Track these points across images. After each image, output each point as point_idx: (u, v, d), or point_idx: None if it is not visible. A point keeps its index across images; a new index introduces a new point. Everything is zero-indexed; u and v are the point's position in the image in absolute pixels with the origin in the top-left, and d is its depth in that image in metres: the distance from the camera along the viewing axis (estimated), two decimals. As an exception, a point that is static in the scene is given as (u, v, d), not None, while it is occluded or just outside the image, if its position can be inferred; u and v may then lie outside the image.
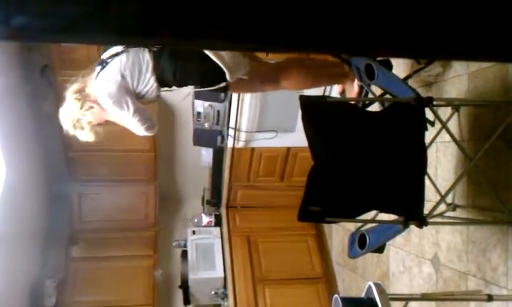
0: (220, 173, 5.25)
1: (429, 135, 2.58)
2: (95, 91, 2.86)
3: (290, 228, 5.10)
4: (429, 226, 2.42)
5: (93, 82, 2.86)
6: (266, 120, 4.53)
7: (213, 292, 4.99)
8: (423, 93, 2.90)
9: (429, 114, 2.44)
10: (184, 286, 4.99)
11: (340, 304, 2.30)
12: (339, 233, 5.02)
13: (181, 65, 2.86)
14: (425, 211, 2.36)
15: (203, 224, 5.45)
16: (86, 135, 2.95)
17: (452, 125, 2.85)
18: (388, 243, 3.05)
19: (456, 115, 2.87)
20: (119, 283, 5.19)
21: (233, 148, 4.75)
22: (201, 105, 4.46)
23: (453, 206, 2.92)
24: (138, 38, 0.77)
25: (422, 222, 2.30)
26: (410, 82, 3.00)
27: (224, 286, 5.00)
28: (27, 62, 4.82)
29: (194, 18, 0.62)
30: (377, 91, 2.95)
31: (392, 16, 0.67)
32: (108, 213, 5.52)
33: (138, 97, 2.90)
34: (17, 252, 4.56)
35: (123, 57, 2.81)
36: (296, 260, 5.12)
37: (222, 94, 4.30)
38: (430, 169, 2.97)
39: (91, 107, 2.89)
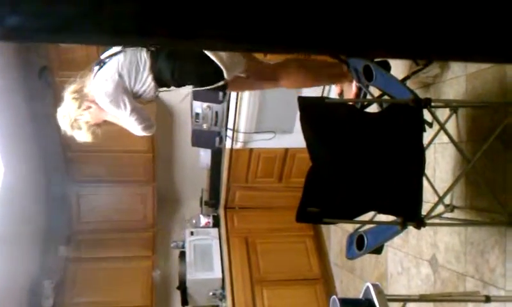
0: (218, 174, 5.25)
1: (427, 136, 2.58)
2: (92, 90, 2.86)
3: (288, 228, 5.10)
4: (427, 227, 2.43)
5: (91, 82, 2.86)
6: (264, 121, 4.53)
7: (211, 293, 4.99)
8: (421, 94, 2.91)
9: (427, 116, 2.44)
10: (182, 287, 4.99)
11: (338, 305, 2.30)
12: (337, 234, 5.02)
13: (179, 65, 2.86)
14: (423, 212, 2.37)
15: (201, 225, 5.45)
16: (83, 136, 2.95)
17: (450, 126, 2.85)
18: (386, 244, 3.05)
19: (454, 116, 2.87)
20: (117, 284, 5.19)
21: (231, 149, 4.75)
22: (199, 106, 4.46)
23: (451, 208, 2.92)
24: (134, 38, 0.76)
25: (420, 223, 2.30)
26: (408, 83, 3.00)
27: (222, 287, 5.00)
28: (25, 64, 4.82)
29: (191, 18, 0.62)
30: (375, 92, 2.96)
31: (389, 17, 0.67)
32: (106, 214, 5.52)
33: (136, 96, 2.90)
34: (15, 253, 4.55)
35: (121, 56, 2.81)
36: (294, 261, 5.12)
37: (220, 95, 4.30)
38: (428, 170, 2.97)
39: (89, 107, 2.89)
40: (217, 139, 4.71)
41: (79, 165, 5.31)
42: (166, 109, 5.62)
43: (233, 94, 4.28)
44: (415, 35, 0.70)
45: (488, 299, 2.39)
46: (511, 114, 2.48)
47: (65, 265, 5.20)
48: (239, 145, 4.70)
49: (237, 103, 4.37)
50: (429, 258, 3.23)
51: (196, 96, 4.39)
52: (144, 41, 0.98)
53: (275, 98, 4.17)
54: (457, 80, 2.94)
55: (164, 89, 3.01)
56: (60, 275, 5.12)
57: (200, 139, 4.75)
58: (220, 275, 5.01)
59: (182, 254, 5.19)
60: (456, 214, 2.92)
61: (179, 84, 3.00)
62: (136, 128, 2.93)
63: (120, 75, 2.80)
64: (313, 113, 2.46)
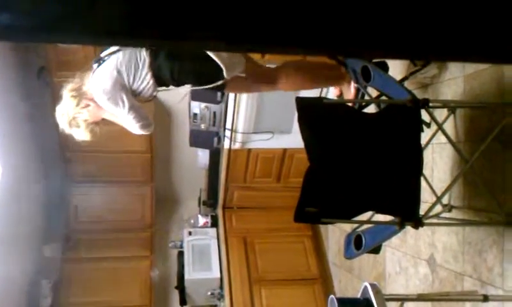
0: (216, 174, 5.25)
1: (425, 136, 2.58)
2: (91, 88, 2.85)
3: (286, 228, 5.10)
4: (425, 227, 2.43)
5: (89, 80, 2.86)
6: (263, 121, 4.54)
7: (209, 293, 4.99)
8: (419, 94, 2.91)
9: (425, 116, 2.45)
10: (180, 286, 5.00)
11: (336, 304, 2.30)
12: (335, 234, 5.03)
13: (178, 63, 2.86)
14: (421, 212, 2.37)
15: (199, 225, 5.46)
16: (81, 134, 2.94)
17: (448, 126, 2.86)
18: (384, 244, 3.06)
19: (451, 117, 2.88)
20: (115, 284, 5.19)
21: (229, 149, 4.75)
22: (197, 107, 4.46)
23: (449, 207, 2.93)
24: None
25: (418, 223, 2.31)
26: (406, 83, 3.00)
27: (221, 287, 5.00)
28: (23, 64, 4.82)
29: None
30: (373, 93, 2.96)
31: (387, 17, 0.67)
32: (104, 214, 5.52)
33: (134, 94, 2.89)
34: (13, 253, 4.55)
35: (120, 54, 2.81)
36: (292, 261, 5.12)
37: (218, 95, 4.30)
38: (426, 171, 2.98)
39: (88, 105, 2.89)
40: (216, 139, 4.71)
41: (77, 165, 5.31)
42: (164, 109, 5.63)
43: (231, 95, 4.28)
44: (413, 35, 0.71)
45: (485, 298, 2.40)
46: (509, 115, 2.49)
47: (63, 265, 5.20)
48: (237, 145, 4.70)
49: (235, 103, 4.37)
50: (427, 257, 3.24)
51: (194, 97, 4.39)
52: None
53: (273, 98, 4.18)
54: (455, 80, 2.95)
55: (163, 88, 3.00)
56: (58, 275, 5.12)
57: (198, 139, 4.75)
58: (218, 275, 5.01)
59: (180, 254, 5.19)
60: (453, 214, 2.93)
61: (178, 83, 2.99)
62: (133, 126, 2.92)
63: (119, 72, 2.79)
64: (311, 113, 2.46)
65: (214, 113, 4.51)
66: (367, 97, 3.01)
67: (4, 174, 4.30)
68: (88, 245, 5.33)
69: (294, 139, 4.32)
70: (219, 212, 5.50)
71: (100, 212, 5.50)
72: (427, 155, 3.11)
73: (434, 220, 2.75)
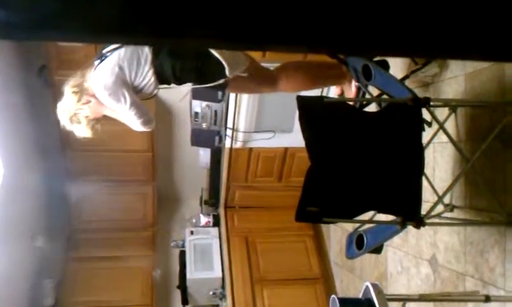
0: (218, 173, 5.25)
1: (426, 135, 2.58)
2: (93, 84, 2.84)
3: (288, 228, 5.10)
4: (426, 227, 2.42)
5: (91, 76, 2.85)
6: (264, 120, 4.53)
7: (211, 292, 4.99)
8: (420, 93, 2.89)
9: (426, 115, 2.44)
10: (182, 286, 5.00)
11: (338, 304, 2.30)
12: (337, 234, 5.02)
13: (181, 61, 2.85)
14: (423, 211, 2.36)
15: (201, 225, 5.45)
16: (82, 130, 2.93)
17: (449, 125, 2.85)
18: (386, 243, 3.05)
19: (453, 116, 2.87)
20: (117, 283, 5.20)
21: (231, 148, 4.75)
22: (198, 106, 4.46)
23: (450, 207, 2.92)
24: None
25: (419, 222, 2.30)
26: (407, 82, 3.00)
27: (222, 287, 5.00)
28: (24, 63, 4.82)
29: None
30: (374, 91, 2.96)
31: (388, 15, 0.66)
32: (106, 213, 5.52)
33: (135, 91, 2.88)
34: (15, 253, 4.55)
35: (122, 50, 2.79)
36: (294, 261, 5.12)
37: (220, 94, 4.29)
38: (427, 170, 2.97)
39: (89, 101, 2.87)
40: (217, 138, 4.71)
41: (79, 164, 5.31)
42: (165, 108, 5.63)
43: (232, 94, 4.27)
44: (414, 33, 0.70)
45: (487, 299, 2.39)
46: (510, 114, 2.48)
47: (65, 264, 5.21)
48: (238, 144, 4.70)
49: (236, 102, 4.37)
50: (429, 257, 3.23)
51: (196, 95, 4.38)
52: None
53: (274, 97, 4.17)
54: (456, 79, 2.94)
55: (164, 86, 2.99)
56: (60, 274, 5.13)
57: (200, 138, 4.75)
58: (220, 275, 5.01)
59: (182, 254, 5.20)
60: (455, 214, 2.92)
61: (180, 81, 2.98)
62: (134, 122, 2.91)
63: (121, 68, 2.78)
64: (312, 112, 2.46)
65: (216, 112, 4.51)
66: (367, 96, 3.00)
67: (6, 174, 4.30)
68: (89, 244, 5.33)
69: (295, 138, 4.31)
70: (221, 211, 5.50)
71: (102, 211, 5.50)
72: (429, 154, 3.11)
73: (436, 220, 2.75)
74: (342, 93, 3.44)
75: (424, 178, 2.50)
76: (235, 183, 5.22)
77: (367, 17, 0.66)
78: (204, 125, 4.56)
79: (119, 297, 5.15)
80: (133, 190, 5.74)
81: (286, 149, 4.89)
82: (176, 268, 5.31)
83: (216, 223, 5.46)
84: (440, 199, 2.57)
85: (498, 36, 0.72)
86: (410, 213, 2.31)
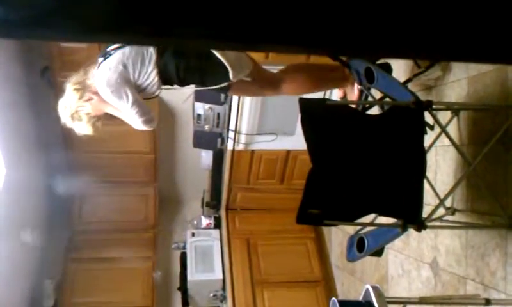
0: (220, 175, 5.25)
1: (428, 138, 2.58)
2: (95, 81, 2.83)
3: (289, 230, 5.09)
4: (428, 230, 2.42)
5: (94, 74, 2.85)
6: (266, 123, 4.54)
7: (212, 294, 4.99)
8: (423, 96, 2.91)
9: (428, 118, 2.44)
10: (183, 288, 5.00)
11: (338, 307, 2.30)
12: (338, 236, 5.02)
13: (185, 62, 2.85)
14: (424, 215, 2.37)
15: (202, 226, 5.45)
16: (83, 127, 2.92)
17: (452, 129, 2.85)
18: (387, 246, 3.05)
19: (455, 119, 2.87)
20: (118, 285, 5.19)
21: (233, 151, 4.75)
22: (201, 108, 4.47)
23: (452, 210, 2.92)
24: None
25: (420, 225, 2.30)
26: (410, 85, 3.00)
27: (223, 289, 5.00)
28: (27, 64, 4.83)
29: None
30: (377, 94, 2.96)
31: (390, 16, 0.66)
32: (108, 214, 5.52)
33: (138, 90, 2.87)
34: (16, 253, 4.56)
35: (127, 49, 2.79)
36: (295, 263, 5.12)
37: (222, 96, 4.30)
38: (429, 173, 2.97)
39: (91, 99, 2.87)
40: (219, 140, 4.71)
41: (81, 165, 5.31)
42: (168, 109, 5.63)
43: (235, 96, 4.28)
44: (417, 35, 0.70)
45: (488, 302, 2.39)
46: (513, 117, 2.48)
47: (66, 265, 5.20)
48: (240, 146, 4.70)
49: (239, 104, 4.37)
50: (430, 260, 3.23)
51: (198, 97, 4.39)
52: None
53: (277, 100, 4.17)
54: (459, 82, 2.94)
55: (167, 86, 2.99)
56: (61, 275, 5.13)
57: (202, 140, 4.75)
58: (221, 277, 5.01)
59: (183, 255, 5.20)
60: (456, 217, 2.92)
61: (183, 82, 2.98)
62: (136, 121, 2.89)
63: (125, 66, 2.78)
64: (314, 115, 2.46)
65: (218, 114, 4.51)
66: (370, 99, 3.00)
67: (9, 175, 4.31)
68: (91, 245, 5.33)
69: (297, 141, 4.31)
70: (223, 213, 5.50)
71: (104, 212, 5.51)
72: (431, 158, 3.11)
73: (437, 223, 2.75)
74: (344, 96, 3.44)
75: (425, 181, 2.50)
76: (237, 185, 5.22)
77: (369, 19, 0.66)
78: (206, 127, 4.57)
79: (119, 298, 5.14)
80: (135, 191, 5.74)
81: (288, 151, 4.89)
82: (177, 269, 5.31)
83: (217, 225, 5.46)
84: (442, 202, 2.57)
85: (502, 38, 0.72)
86: (411, 216, 2.31)
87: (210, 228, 5.43)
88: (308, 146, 2.43)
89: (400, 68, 3.32)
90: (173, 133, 5.86)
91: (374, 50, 0.90)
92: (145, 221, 5.71)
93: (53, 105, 2.95)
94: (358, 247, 2.69)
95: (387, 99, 2.73)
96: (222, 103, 4.44)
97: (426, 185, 2.56)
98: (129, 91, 2.79)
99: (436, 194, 2.86)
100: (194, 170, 5.80)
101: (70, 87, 2.87)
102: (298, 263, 5.13)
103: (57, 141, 4.91)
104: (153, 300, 5.28)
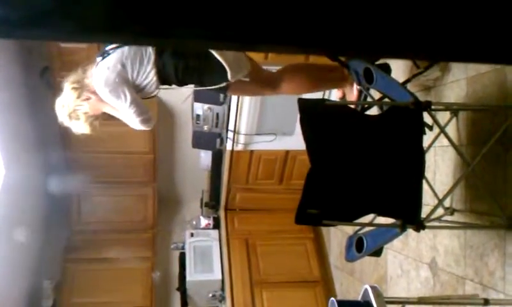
0: (219, 176, 5.25)
1: (427, 139, 2.58)
2: (93, 80, 2.83)
3: (288, 230, 5.08)
4: (426, 230, 2.42)
5: (92, 73, 2.85)
6: (265, 123, 4.53)
7: (211, 295, 4.99)
8: (421, 97, 2.91)
9: (427, 118, 2.44)
10: (182, 288, 5.00)
11: (337, 307, 2.30)
12: (337, 236, 5.02)
13: (183, 62, 2.85)
14: (423, 215, 2.37)
15: (201, 227, 5.45)
16: (81, 126, 2.91)
17: (451, 129, 2.85)
18: (386, 246, 3.05)
19: (454, 119, 2.88)
20: (117, 285, 5.19)
21: (232, 151, 4.75)
22: (200, 108, 4.46)
23: (451, 211, 2.92)
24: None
25: (419, 226, 2.30)
26: (409, 86, 3.00)
27: (222, 289, 5.00)
28: (27, 64, 4.83)
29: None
30: (376, 95, 2.96)
31: (389, 16, 0.67)
32: (107, 214, 5.52)
33: (137, 90, 2.87)
34: (15, 254, 4.56)
35: (126, 48, 2.79)
36: (294, 263, 5.12)
37: (221, 96, 4.30)
38: (428, 173, 2.97)
39: (89, 98, 2.86)
40: (218, 140, 4.72)
41: (79, 166, 5.30)
42: (167, 110, 5.63)
43: (234, 96, 4.28)
44: (416, 35, 0.70)
45: (486, 302, 2.39)
46: (511, 117, 2.48)
47: (65, 265, 5.20)
48: (239, 147, 4.70)
49: (238, 105, 4.37)
50: (429, 261, 3.23)
51: (197, 98, 4.39)
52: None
53: (276, 100, 4.17)
54: (458, 83, 2.94)
55: (166, 86, 2.99)
56: (60, 276, 5.12)
57: (201, 140, 4.75)
58: (220, 277, 5.01)
59: (182, 256, 5.19)
60: (455, 217, 2.92)
61: (181, 82, 2.98)
62: (134, 120, 2.89)
63: (123, 65, 2.77)
64: (313, 115, 2.46)
65: (217, 114, 4.51)
66: (369, 99, 3.00)
67: (7, 175, 4.31)
68: (89, 245, 5.33)
69: (296, 141, 4.31)
70: (221, 213, 5.50)
71: (102, 212, 5.51)
72: (429, 158, 3.11)
73: (436, 224, 2.75)
74: (343, 96, 3.44)
75: (424, 182, 2.50)
76: (236, 185, 5.22)
77: (368, 19, 0.66)
78: (205, 127, 4.57)
79: (118, 298, 5.14)
80: (134, 191, 5.74)
81: (287, 151, 4.89)
82: (176, 270, 5.31)
83: (216, 225, 5.46)
84: (440, 202, 2.57)
85: (501, 39, 0.72)
86: (410, 217, 2.31)
87: (209, 228, 5.43)
88: (307, 146, 2.42)
89: (399, 69, 3.32)
90: (172, 133, 5.86)
91: (373, 51, 0.90)
92: (144, 221, 5.71)
93: (52, 105, 2.94)
94: (357, 247, 2.69)
95: (386, 99, 2.73)
96: (221, 104, 4.44)
97: (425, 186, 2.56)
98: (127, 91, 2.78)
99: (435, 194, 2.86)
100: (193, 170, 5.80)
101: (68, 86, 2.87)
102: (297, 263, 5.13)
103: (57, 141, 4.91)
104: (152, 300, 5.28)
